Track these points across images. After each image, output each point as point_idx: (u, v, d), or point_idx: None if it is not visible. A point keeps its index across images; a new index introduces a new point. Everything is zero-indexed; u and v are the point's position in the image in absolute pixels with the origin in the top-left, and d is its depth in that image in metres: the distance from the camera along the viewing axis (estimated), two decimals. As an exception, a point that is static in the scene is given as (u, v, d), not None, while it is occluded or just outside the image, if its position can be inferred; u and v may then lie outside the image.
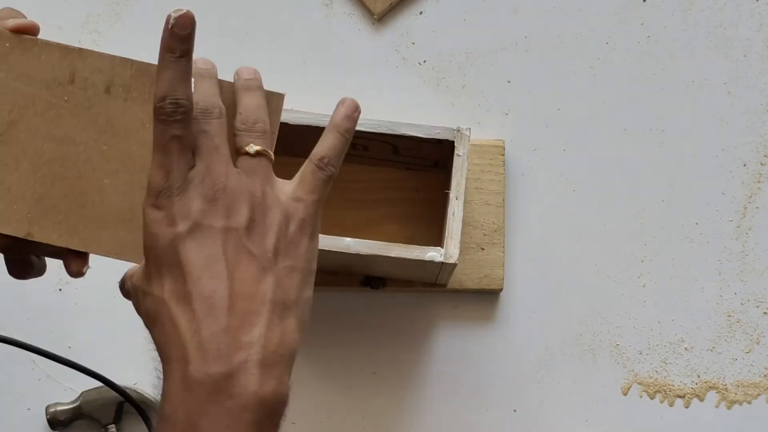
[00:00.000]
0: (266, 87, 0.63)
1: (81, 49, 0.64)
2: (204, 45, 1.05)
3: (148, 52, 1.04)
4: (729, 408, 0.96)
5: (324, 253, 0.83)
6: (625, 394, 0.96)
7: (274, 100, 0.63)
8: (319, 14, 1.05)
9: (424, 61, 1.03)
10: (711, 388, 0.96)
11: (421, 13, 1.05)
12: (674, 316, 0.98)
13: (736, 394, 0.96)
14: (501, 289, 0.96)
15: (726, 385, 0.96)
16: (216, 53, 1.05)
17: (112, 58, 0.64)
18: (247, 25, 1.05)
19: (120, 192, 0.63)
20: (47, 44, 0.63)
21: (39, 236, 0.63)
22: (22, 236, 0.63)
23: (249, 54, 1.04)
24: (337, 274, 0.95)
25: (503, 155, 0.98)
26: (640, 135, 1.01)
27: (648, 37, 1.03)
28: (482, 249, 0.96)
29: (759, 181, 1.00)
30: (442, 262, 0.83)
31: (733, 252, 0.99)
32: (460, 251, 0.92)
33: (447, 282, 0.94)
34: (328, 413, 0.96)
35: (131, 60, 0.64)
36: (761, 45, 1.03)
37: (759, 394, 0.96)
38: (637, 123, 1.01)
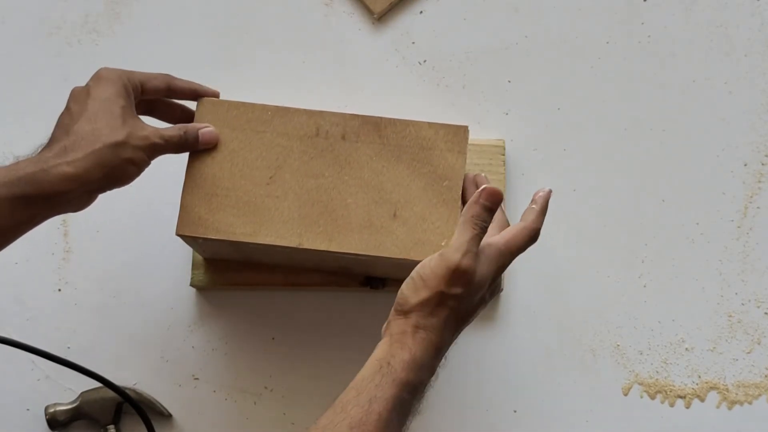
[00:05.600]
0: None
1: (321, 111, 0.85)
2: (205, 44, 1.06)
3: (148, 51, 1.05)
4: (730, 408, 0.95)
5: (325, 254, 0.83)
6: (625, 395, 0.96)
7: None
8: (319, 14, 1.05)
9: (425, 61, 1.03)
10: (712, 388, 0.96)
11: (421, 12, 1.04)
12: (675, 317, 0.97)
13: (737, 394, 0.96)
14: (501, 289, 0.96)
15: (727, 385, 0.96)
16: (216, 52, 1.05)
17: (344, 115, 0.85)
18: (248, 25, 1.05)
19: (360, 207, 0.83)
20: (297, 110, 0.86)
21: (306, 245, 0.83)
22: (294, 246, 0.83)
23: (249, 53, 1.04)
24: (337, 274, 0.94)
25: (503, 155, 0.98)
26: (640, 135, 1.01)
27: (648, 36, 1.03)
28: (482, 249, 0.95)
29: (760, 181, 1.00)
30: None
31: (734, 252, 0.98)
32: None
33: (447, 282, 0.94)
34: (327, 413, 0.96)
35: (358, 115, 0.85)
36: (762, 45, 1.02)
37: (760, 395, 0.96)
38: (638, 123, 1.01)
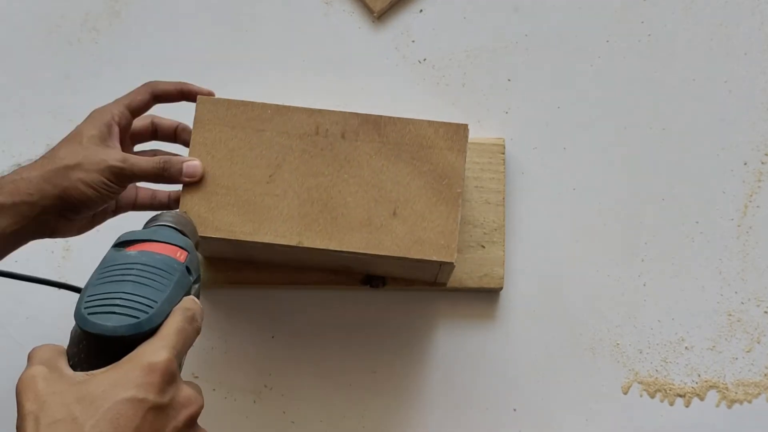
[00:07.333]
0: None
1: (321, 110, 0.85)
2: (204, 43, 1.06)
3: (148, 50, 1.05)
4: (729, 407, 0.96)
5: (325, 252, 0.83)
6: (625, 394, 0.96)
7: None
8: (319, 12, 1.05)
9: (424, 60, 1.03)
10: (711, 387, 0.96)
11: (421, 11, 1.04)
12: (674, 315, 0.97)
13: (736, 393, 0.96)
14: (501, 288, 0.96)
15: (726, 384, 0.96)
16: (216, 51, 1.05)
17: (343, 113, 0.85)
18: (247, 24, 1.05)
19: (359, 205, 0.83)
20: (297, 109, 0.85)
21: (306, 243, 0.83)
22: (294, 244, 0.83)
23: (249, 53, 1.04)
24: (337, 273, 0.95)
25: (503, 154, 0.98)
26: (640, 134, 1.01)
27: (649, 35, 1.03)
28: (482, 247, 0.96)
29: (759, 180, 1.00)
30: (441, 261, 0.83)
31: (733, 251, 0.98)
32: (460, 250, 0.92)
33: (447, 281, 0.94)
34: (328, 413, 0.96)
35: (358, 113, 0.85)
36: (762, 43, 1.02)
37: (759, 393, 0.96)
38: (638, 122, 1.01)
